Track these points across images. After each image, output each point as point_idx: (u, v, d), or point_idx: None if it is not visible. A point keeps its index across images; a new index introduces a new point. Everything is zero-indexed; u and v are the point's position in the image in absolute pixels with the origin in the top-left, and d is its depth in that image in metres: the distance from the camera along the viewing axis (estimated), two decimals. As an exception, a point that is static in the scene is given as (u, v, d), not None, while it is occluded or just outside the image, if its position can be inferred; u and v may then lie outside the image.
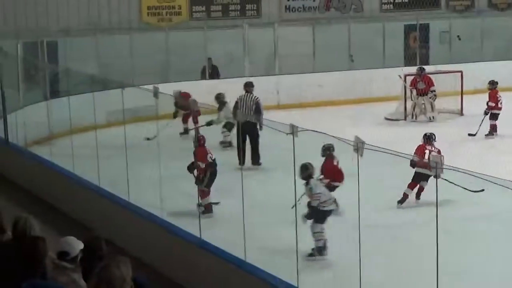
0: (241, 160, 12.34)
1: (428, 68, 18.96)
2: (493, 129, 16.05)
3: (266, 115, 13.51)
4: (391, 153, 6.39)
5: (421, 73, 18.23)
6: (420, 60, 21.77)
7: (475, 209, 10.40)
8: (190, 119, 16.04)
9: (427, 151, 11.17)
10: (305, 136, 6.91)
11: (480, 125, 15.69)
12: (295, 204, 7.73)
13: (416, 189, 11.18)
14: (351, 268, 6.81)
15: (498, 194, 6.31)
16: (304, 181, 9.09)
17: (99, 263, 4.79)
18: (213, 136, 13.54)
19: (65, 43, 19.11)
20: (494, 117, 16.08)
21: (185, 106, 15.36)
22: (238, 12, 22.50)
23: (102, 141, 12.17)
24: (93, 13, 20.60)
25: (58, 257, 5.44)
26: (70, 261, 5.42)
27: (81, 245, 5.55)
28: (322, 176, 10.39)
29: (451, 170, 6.31)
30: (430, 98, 18.04)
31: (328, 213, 9.20)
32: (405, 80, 18.53)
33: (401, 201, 11.15)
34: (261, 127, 13.03)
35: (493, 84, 16.41)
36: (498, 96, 16.21)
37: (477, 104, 16.61)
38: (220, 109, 14.89)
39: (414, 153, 11.02)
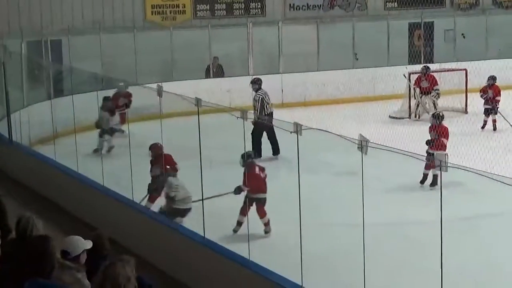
0: (257, 154, 12.24)
1: (432, 67, 18.94)
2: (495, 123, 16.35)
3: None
4: (395, 152, 6.38)
5: (426, 72, 18.22)
6: (425, 58, 21.77)
7: (482, 207, 10.38)
8: None
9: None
10: (309, 134, 6.87)
11: (508, 121, 15.86)
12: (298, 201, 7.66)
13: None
14: (354, 269, 6.79)
15: (504, 192, 6.26)
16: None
17: (103, 262, 4.78)
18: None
19: (69, 42, 19.11)
20: (496, 111, 16.24)
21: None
22: (242, 11, 22.50)
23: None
24: (97, 12, 20.62)
25: (61, 256, 5.44)
26: (72, 260, 5.41)
27: (86, 245, 5.54)
28: (246, 188, 9.70)
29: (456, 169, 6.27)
30: (433, 96, 18.02)
31: None
32: (409, 79, 18.51)
33: (422, 181, 11.77)
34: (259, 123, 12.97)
35: (494, 79, 16.51)
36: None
37: (482, 102, 16.60)
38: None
39: (443, 136, 11.80)
